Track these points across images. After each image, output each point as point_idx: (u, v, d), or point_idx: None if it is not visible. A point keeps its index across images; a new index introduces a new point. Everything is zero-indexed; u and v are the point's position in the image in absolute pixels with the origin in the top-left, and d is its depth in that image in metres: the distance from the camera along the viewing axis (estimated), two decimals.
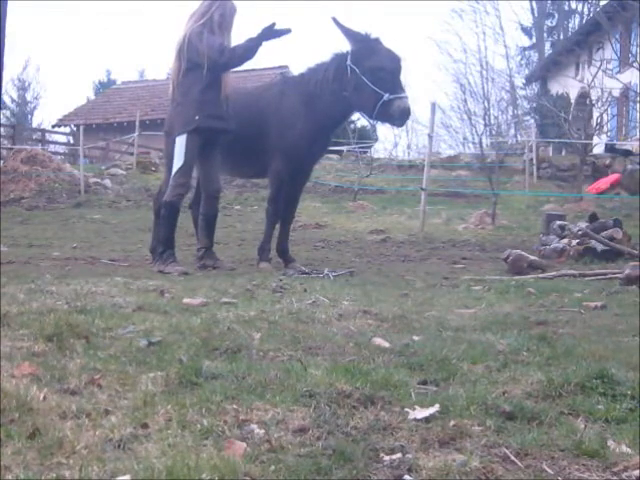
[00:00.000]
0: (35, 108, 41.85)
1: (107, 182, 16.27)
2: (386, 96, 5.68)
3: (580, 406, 2.03)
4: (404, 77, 6.03)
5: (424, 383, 2.25)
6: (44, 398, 1.93)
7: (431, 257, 7.44)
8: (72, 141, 29.75)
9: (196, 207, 6.35)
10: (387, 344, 2.73)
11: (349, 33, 5.89)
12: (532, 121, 25.21)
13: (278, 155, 6.02)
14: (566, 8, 35.39)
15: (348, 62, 5.84)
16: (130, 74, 50.23)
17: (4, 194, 14.29)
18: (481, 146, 13.99)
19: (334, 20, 5.89)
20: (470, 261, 7.07)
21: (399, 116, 5.80)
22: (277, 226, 6.30)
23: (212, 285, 4.29)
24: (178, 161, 5.60)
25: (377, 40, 5.91)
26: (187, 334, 2.76)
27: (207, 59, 5.50)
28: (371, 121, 6.28)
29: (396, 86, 5.76)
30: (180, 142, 5.61)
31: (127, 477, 1.50)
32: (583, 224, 7.33)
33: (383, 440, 1.78)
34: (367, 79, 5.74)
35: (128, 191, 15.81)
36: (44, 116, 45.50)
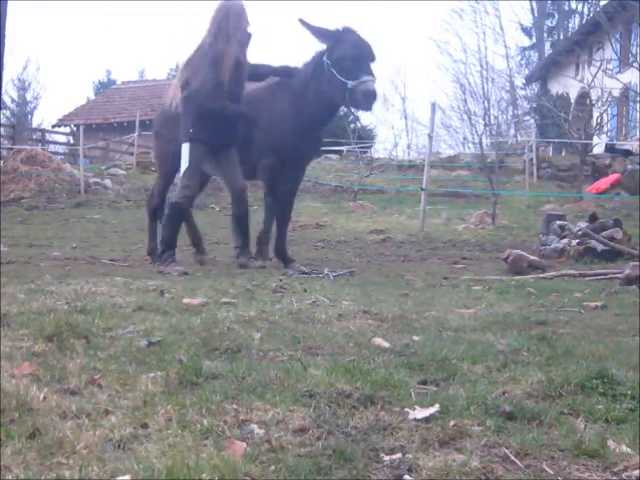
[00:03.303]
0: (35, 108, 41.83)
1: (107, 182, 16.28)
2: (350, 83, 5.74)
3: (580, 406, 2.03)
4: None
5: (424, 383, 2.25)
6: (44, 398, 1.93)
7: (431, 257, 7.44)
8: (72, 141, 29.78)
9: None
10: (387, 344, 2.73)
11: (316, 31, 5.96)
12: (532, 121, 25.20)
13: (266, 153, 6.07)
14: (566, 8, 35.33)
15: (324, 58, 5.93)
16: (130, 74, 50.26)
17: (4, 194, 14.30)
18: (481, 146, 14.00)
19: (301, 21, 5.97)
20: (470, 261, 7.07)
21: (364, 100, 5.81)
22: (275, 228, 6.32)
23: (212, 285, 4.29)
24: (184, 164, 5.70)
25: (346, 30, 5.95)
26: (187, 334, 2.77)
27: (193, 90, 5.59)
28: (350, 111, 6.34)
29: (360, 71, 5.77)
30: (185, 148, 5.72)
31: (127, 477, 1.50)
32: (583, 224, 7.33)
33: (383, 440, 1.78)
34: (335, 70, 5.82)
35: (128, 191, 15.82)
36: (44, 116, 45.45)
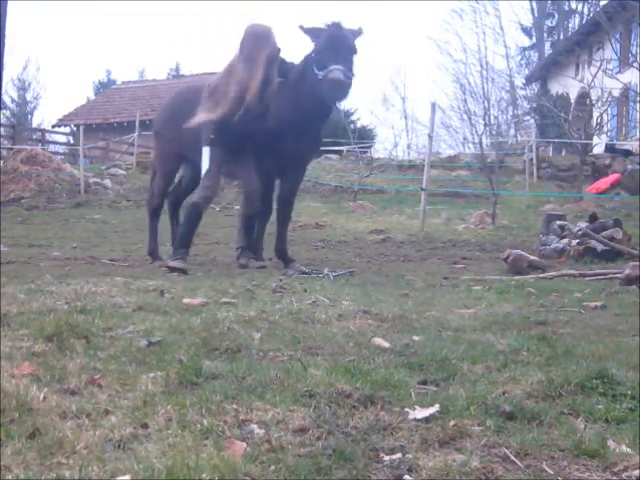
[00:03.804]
0: (35, 108, 41.79)
1: (107, 182, 16.28)
2: (320, 74, 5.70)
3: (580, 406, 2.03)
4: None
5: (424, 383, 2.25)
6: (44, 398, 1.93)
7: (431, 257, 7.44)
8: (72, 141, 29.77)
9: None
10: (387, 344, 2.73)
11: (308, 32, 5.96)
12: (532, 121, 25.19)
13: (264, 155, 6.07)
14: (566, 8, 35.30)
15: (312, 55, 5.93)
16: (130, 74, 50.21)
17: (4, 194, 14.29)
18: (481, 146, 13.99)
19: (300, 28, 5.98)
20: (470, 261, 7.07)
21: (329, 89, 5.72)
22: (274, 228, 6.34)
23: (212, 285, 4.29)
24: (205, 166, 5.79)
25: (333, 25, 5.91)
26: (187, 334, 2.77)
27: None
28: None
29: (329, 61, 5.71)
30: (205, 151, 5.79)
31: (127, 477, 1.50)
32: (583, 224, 7.33)
33: (383, 440, 1.78)
34: (314, 65, 5.80)
35: (128, 191, 15.82)
36: (44, 116, 45.32)
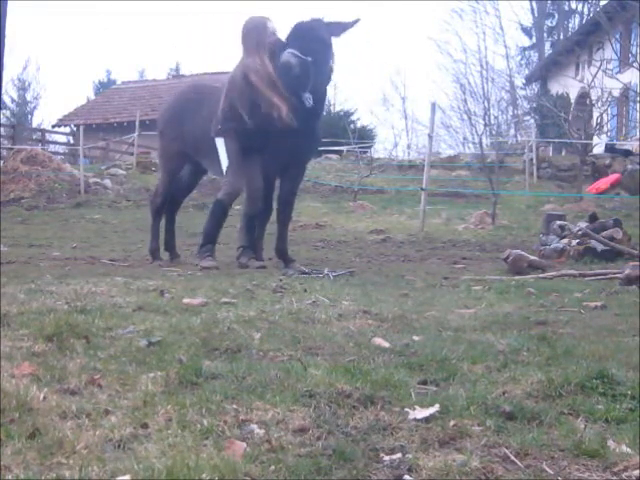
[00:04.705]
0: (35, 108, 41.79)
1: (107, 182, 16.27)
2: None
3: (580, 406, 2.03)
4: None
5: (424, 383, 2.25)
6: (44, 398, 1.93)
7: (431, 257, 7.44)
8: (72, 141, 29.77)
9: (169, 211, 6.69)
10: (387, 344, 2.73)
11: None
12: (532, 121, 25.19)
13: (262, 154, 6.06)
14: (566, 8, 35.30)
15: None
16: (130, 74, 50.22)
17: (4, 194, 14.29)
18: (481, 146, 13.99)
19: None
20: (470, 261, 7.07)
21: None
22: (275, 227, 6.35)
23: (212, 285, 4.28)
24: (224, 160, 5.81)
25: (310, 20, 5.92)
26: (187, 334, 2.77)
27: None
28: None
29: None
30: (219, 143, 5.82)
31: (127, 477, 1.50)
32: (583, 224, 7.33)
33: (383, 440, 1.78)
34: None
35: (128, 191, 15.82)
36: (44, 116, 45.31)
